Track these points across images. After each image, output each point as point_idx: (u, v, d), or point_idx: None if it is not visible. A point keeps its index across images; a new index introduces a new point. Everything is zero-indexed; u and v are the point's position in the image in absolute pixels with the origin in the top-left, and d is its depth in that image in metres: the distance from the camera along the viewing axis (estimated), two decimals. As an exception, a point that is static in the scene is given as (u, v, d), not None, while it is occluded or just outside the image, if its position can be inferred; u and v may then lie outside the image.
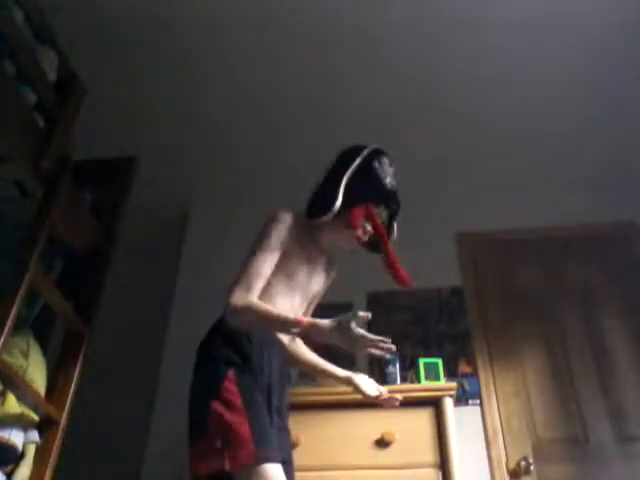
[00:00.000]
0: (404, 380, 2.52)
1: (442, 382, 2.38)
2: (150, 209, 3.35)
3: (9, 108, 1.78)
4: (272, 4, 2.44)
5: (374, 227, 1.71)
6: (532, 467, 2.40)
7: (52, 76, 2.05)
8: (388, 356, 1.59)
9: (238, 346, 1.52)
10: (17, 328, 1.76)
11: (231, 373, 1.46)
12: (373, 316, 1.49)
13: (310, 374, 2.05)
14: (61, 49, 2.11)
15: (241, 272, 1.56)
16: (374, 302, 2.88)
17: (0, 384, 1.70)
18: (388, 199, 1.75)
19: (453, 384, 2.28)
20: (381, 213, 1.74)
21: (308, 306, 1.81)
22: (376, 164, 1.75)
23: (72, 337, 2.05)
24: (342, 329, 1.40)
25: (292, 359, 1.79)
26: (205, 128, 3.00)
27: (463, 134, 3.04)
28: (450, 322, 2.87)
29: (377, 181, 1.73)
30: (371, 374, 2.66)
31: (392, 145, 3.05)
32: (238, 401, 1.40)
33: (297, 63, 2.68)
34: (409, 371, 2.64)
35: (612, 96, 2.81)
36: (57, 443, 1.86)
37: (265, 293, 1.59)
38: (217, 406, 1.40)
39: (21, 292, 1.66)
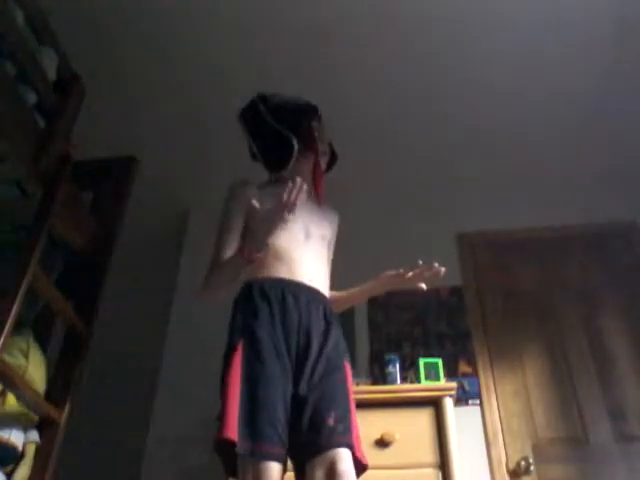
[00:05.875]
0: (404, 380, 2.53)
1: (442, 382, 2.38)
2: (150, 209, 3.35)
3: (9, 108, 1.78)
4: (271, 5, 2.44)
5: (310, 136, 1.77)
6: (532, 467, 2.40)
7: (52, 76, 2.05)
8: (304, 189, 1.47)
9: (248, 305, 1.55)
10: (17, 328, 1.76)
11: (240, 345, 1.46)
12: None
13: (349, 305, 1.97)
14: (61, 49, 2.11)
15: (210, 260, 1.65)
16: (374, 302, 2.88)
17: (0, 384, 1.70)
18: (309, 108, 1.85)
19: (453, 384, 2.29)
20: (317, 127, 1.83)
21: (322, 255, 1.77)
22: (275, 100, 1.86)
23: (72, 337, 2.05)
24: (261, 216, 1.49)
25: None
26: (205, 128, 3.00)
27: (464, 134, 3.04)
28: (450, 322, 2.87)
29: (289, 104, 1.85)
30: (371, 374, 2.68)
31: (392, 144, 3.09)
32: (237, 380, 1.40)
33: (298, 64, 2.68)
34: (409, 371, 2.64)
35: (613, 96, 2.81)
36: (57, 443, 1.86)
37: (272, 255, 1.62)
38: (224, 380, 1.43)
39: (21, 292, 1.66)
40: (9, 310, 1.61)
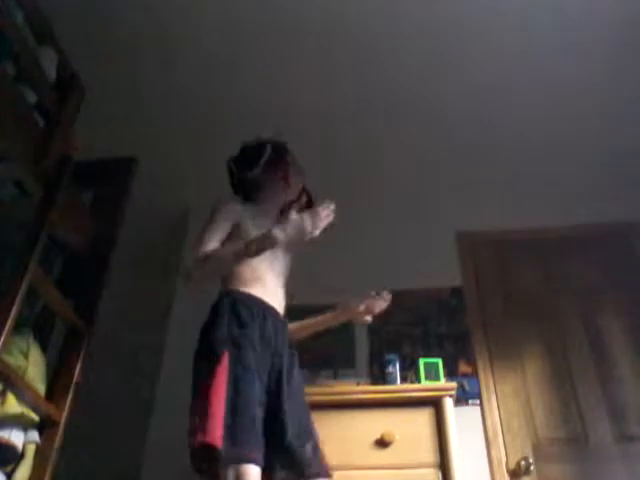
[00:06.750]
0: (404, 380, 2.52)
1: (442, 382, 2.38)
2: (150, 209, 3.35)
3: (9, 108, 1.78)
4: (272, 5, 2.44)
5: (284, 173, 1.92)
6: (532, 467, 2.40)
7: (52, 76, 2.05)
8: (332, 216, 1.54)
9: (233, 314, 1.59)
10: (17, 328, 1.76)
11: (226, 354, 1.48)
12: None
13: (309, 335, 1.99)
14: (61, 49, 2.11)
15: (194, 254, 1.65)
16: (374, 302, 2.88)
17: (0, 384, 1.70)
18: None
19: (453, 384, 2.28)
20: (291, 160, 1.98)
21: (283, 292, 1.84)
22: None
23: (72, 337, 2.05)
24: (289, 221, 1.51)
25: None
26: (205, 128, 3.00)
27: (463, 133, 3.04)
28: (450, 322, 2.87)
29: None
30: (371, 374, 2.68)
31: (392, 144, 3.09)
32: (223, 387, 1.42)
33: (298, 63, 2.68)
34: (409, 371, 2.63)
35: (612, 96, 2.81)
36: (57, 443, 1.86)
37: (247, 275, 1.68)
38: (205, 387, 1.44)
39: (21, 292, 1.66)
40: (9, 310, 1.61)
